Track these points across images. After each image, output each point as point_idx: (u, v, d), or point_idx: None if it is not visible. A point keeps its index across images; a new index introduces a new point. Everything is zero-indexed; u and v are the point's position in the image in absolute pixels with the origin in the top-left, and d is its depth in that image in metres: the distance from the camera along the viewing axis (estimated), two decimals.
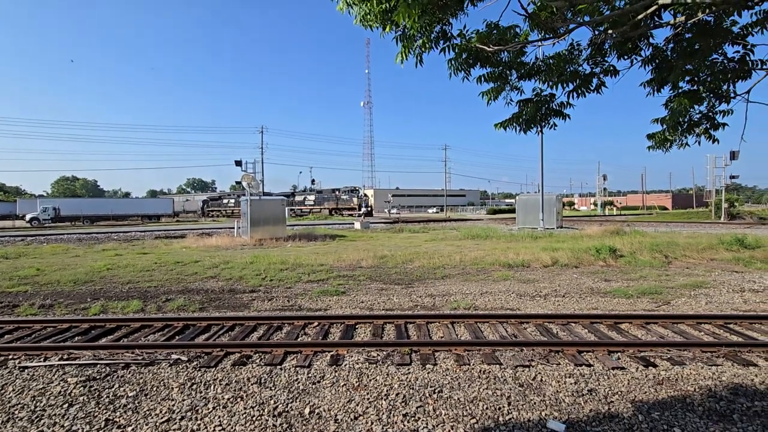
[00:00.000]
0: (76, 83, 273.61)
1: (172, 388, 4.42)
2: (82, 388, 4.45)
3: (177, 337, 6.16)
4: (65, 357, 5.28)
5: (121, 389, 4.42)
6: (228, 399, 4.19)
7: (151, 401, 4.17)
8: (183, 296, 8.93)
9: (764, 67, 3.64)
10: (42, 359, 5.25)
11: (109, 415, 3.90)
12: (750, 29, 3.55)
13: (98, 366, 4.99)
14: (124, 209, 53.10)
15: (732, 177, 42.53)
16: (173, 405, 4.08)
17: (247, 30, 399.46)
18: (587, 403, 4.03)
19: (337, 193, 57.27)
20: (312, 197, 60.47)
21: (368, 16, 3.33)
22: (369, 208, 54.23)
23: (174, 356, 5.23)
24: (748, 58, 3.64)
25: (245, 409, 3.99)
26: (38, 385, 4.52)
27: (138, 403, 4.14)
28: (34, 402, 4.16)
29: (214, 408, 4.01)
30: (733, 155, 38.79)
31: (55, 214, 45.71)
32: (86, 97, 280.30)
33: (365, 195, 58.18)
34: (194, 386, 4.47)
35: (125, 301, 8.51)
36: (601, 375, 4.63)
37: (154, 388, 4.44)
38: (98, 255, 16.32)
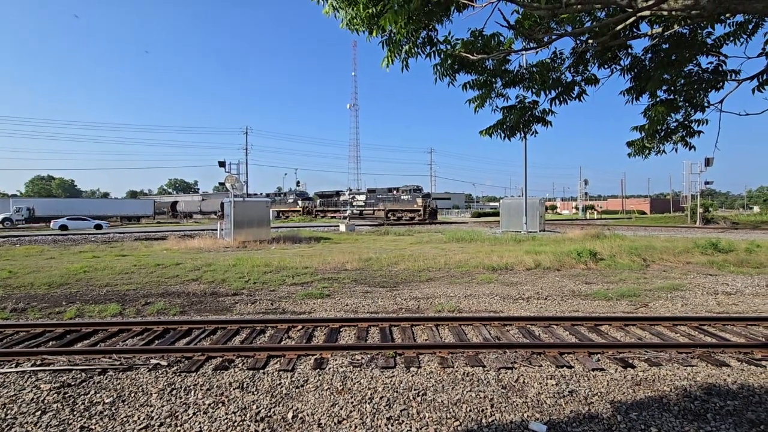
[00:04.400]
0: (56, 81, 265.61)
1: (151, 394, 4.32)
2: (56, 394, 4.31)
3: (156, 342, 6.02)
4: (38, 363, 5.10)
5: (98, 395, 4.29)
6: (209, 404, 4.11)
7: (129, 407, 4.06)
8: (163, 299, 8.74)
9: (736, 77, 3.79)
10: (14, 365, 5.06)
11: (85, 423, 3.78)
12: (724, 41, 3.69)
13: (73, 372, 4.84)
14: (103, 210, 51.75)
15: (707, 183, 44.02)
16: (152, 411, 3.98)
17: (234, 30, 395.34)
18: (568, 404, 4.10)
19: (395, 192, 47.21)
20: (362, 197, 50.96)
21: (354, 20, 3.33)
22: (434, 210, 45.89)
23: (153, 361, 5.11)
24: (721, 69, 3.79)
25: (227, 414, 3.92)
26: (9, 392, 4.35)
27: (115, 409, 4.02)
28: (5, 410, 4.01)
29: (194, 414, 3.93)
30: (708, 162, 40.13)
31: (30, 214, 44.25)
32: (66, 96, 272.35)
33: (429, 195, 47.99)
34: (174, 392, 4.37)
35: (103, 304, 8.28)
36: (581, 376, 4.72)
37: (132, 394, 4.32)
38: (74, 257, 15.85)
